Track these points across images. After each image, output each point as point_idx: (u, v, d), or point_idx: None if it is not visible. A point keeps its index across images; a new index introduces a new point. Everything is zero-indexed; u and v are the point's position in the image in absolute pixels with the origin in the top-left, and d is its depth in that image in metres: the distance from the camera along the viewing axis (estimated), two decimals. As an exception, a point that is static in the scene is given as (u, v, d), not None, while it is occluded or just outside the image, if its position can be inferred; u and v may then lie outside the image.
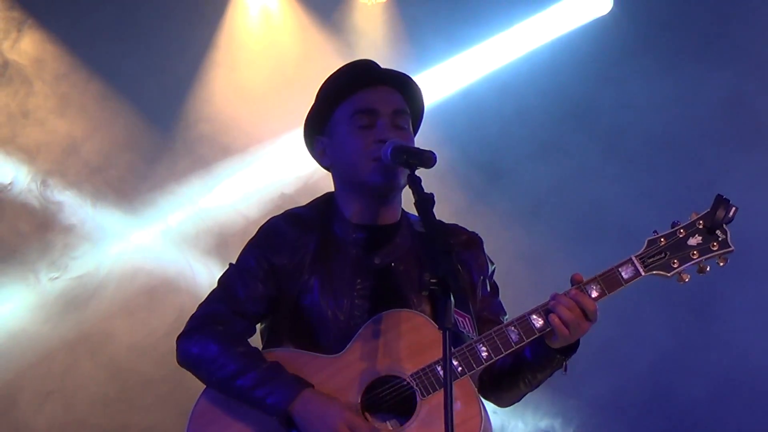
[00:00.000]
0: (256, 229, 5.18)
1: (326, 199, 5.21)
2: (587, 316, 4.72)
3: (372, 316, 4.87)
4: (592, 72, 10.17)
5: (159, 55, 9.66)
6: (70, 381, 9.20)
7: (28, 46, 9.54)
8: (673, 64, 10.17)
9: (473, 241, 5.17)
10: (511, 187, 10.10)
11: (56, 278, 9.44)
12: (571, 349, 4.85)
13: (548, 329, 4.73)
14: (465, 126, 10.06)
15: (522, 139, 10.11)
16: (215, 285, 5.14)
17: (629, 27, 10.22)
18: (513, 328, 4.74)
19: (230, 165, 9.94)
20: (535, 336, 4.73)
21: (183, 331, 5.00)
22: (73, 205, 9.55)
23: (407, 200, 4.96)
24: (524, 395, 5.07)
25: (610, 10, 10.28)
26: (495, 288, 5.14)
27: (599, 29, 10.25)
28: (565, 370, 4.91)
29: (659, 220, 4.91)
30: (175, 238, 9.74)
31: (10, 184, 9.38)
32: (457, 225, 5.19)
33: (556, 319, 4.69)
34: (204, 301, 5.08)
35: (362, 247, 5.05)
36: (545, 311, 4.73)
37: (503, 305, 5.10)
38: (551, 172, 10.10)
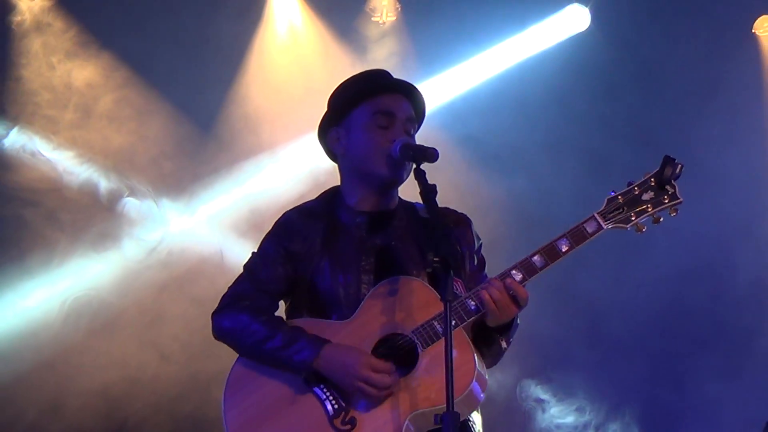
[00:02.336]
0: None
1: (332, 192, 5.27)
2: (517, 301, 4.79)
3: None
4: (571, 81, 10.08)
5: (200, 68, 9.77)
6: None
7: (90, 64, 9.62)
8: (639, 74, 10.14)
9: (462, 221, 5.20)
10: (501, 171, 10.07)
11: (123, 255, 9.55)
12: (505, 329, 4.93)
13: (481, 310, 4.80)
14: (461, 126, 10.03)
15: (510, 136, 10.07)
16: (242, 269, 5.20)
17: (604, 42, 10.15)
18: (471, 299, 4.83)
19: (261, 160, 9.95)
20: (472, 317, 4.82)
21: (216, 309, 5.08)
22: (132, 196, 9.67)
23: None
24: (493, 363, 5.08)
25: (588, 27, 10.20)
26: (482, 262, 5.17)
27: (578, 44, 10.17)
28: (505, 347, 5.01)
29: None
30: (213, 223, 9.80)
31: (81, 180, 9.46)
32: (447, 207, 5.16)
33: (487, 298, 4.77)
34: (232, 283, 5.16)
35: (365, 229, 5.10)
36: (477, 294, 4.82)
37: (488, 278, 5.01)
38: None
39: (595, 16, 10.23)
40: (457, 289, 4.74)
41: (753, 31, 10.49)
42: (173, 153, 9.75)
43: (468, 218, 5.22)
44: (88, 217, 9.49)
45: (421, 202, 4.88)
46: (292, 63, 10.15)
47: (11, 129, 9.52)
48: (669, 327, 10.01)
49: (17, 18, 9.56)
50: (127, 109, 9.67)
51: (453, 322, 4.54)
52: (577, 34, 10.30)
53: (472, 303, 4.78)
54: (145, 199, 9.70)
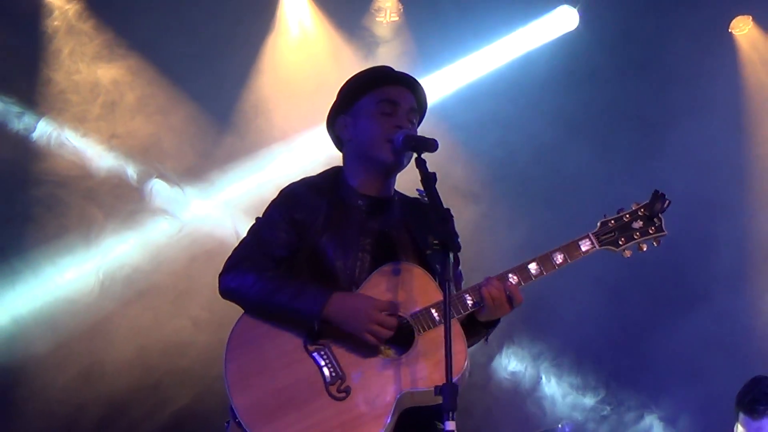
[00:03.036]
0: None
1: (335, 171, 5.27)
2: (512, 301, 4.87)
3: (372, 268, 4.96)
4: (560, 77, 10.12)
5: (217, 65, 9.81)
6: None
7: (116, 64, 9.71)
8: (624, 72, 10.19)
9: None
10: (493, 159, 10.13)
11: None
12: (492, 325, 5.02)
13: (478, 305, 4.87)
14: (461, 117, 10.06)
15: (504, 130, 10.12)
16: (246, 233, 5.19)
17: (592, 41, 10.18)
18: (468, 295, 4.90)
19: (274, 150, 10.01)
20: (468, 311, 4.89)
21: (222, 270, 5.04)
22: (156, 186, 9.76)
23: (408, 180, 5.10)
24: (474, 345, 5.08)
25: (576, 27, 10.24)
26: (457, 259, 5.07)
27: (567, 42, 10.21)
28: (486, 341, 5.09)
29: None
30: (230, 208, 9.86)
31: (109, 167, 9.57)
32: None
33: (486, 294, 4.84)
34: (237, 246, 5.12)
35: (365, 212, 5.12)
36: (477, 290, 4.89)
37: (462, 274, 5.15)
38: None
39: (583, 17, 10.19)
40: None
41: (729, 30, 10.45)
42: (193, 142, 9.82)
43: (450, 212, 4.93)
44: (118, 199, 9.58)
45: (414, 195, 4.95)
46: (303, 60, 10.21)
47: (38, 120, 9.52)
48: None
49: (54, 22, 9.58)
50: (151, 104, 9.74)
51: (470, 302, 4.77)
52: (566, 34, 10.27)
53: (469, 299, 4.85)
54: (169, 183, 9.75)
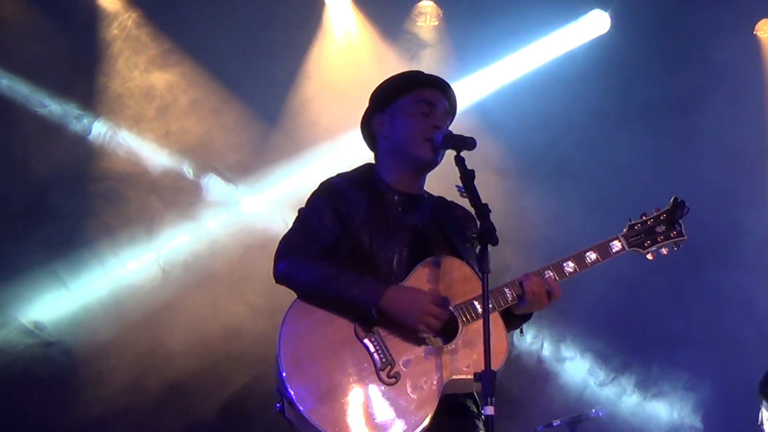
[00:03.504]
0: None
1: (368, 168, 5.28)
2: (550, 296, 4.92)
3: (409, 261, 4.98)
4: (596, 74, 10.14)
5: (266, 68, 9.91)
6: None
7: (171, 70, 9.87)
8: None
9: (467, 217, 5.19)
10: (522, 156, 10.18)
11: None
12: (527, 317, 5.06)
13: (517, 299, 4.90)
14: (504, 112, 10.13)
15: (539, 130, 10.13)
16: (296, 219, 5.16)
17: (623, 43, 10.18)
18: (508, 289, 4.93)
19: (320, 148, 10.05)
20: (509, 304, 4.92)
21: (277, 255, 4.99)
22: (205, 183, 9.88)
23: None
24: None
25: (608, 30, 10.24)
26: None
27: (600, 45, 10.23)
28: (522, 332, 5.12)
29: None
30: (278, 204, 9.92)
31: (167, 168, 9.73)
32: (456, 203, 5.22)
33: (528, 289, 4.88)
34: (288, 232, 5.08)
35: (400, 208, 5.14)
36: (518, 284, 4.92)
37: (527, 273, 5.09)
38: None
39: (615, 21, 10.19)
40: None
41: (755, 32, 10.42)
42: (243, 141, 9.94)
43: (471, 214, 4.99)
44: (176, 193, 9.74)
45: (440, 194, 5.07)
46: (347, 63, 10.29)
47: (96, 122, 9.67)
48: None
49: (113, 31, 9.75)
50: (203, 105, 9.88)
51: (490, 305, 4.64)
52: (598, 37, 10.27)
53: (509, 293, 4.88)
54: (222, 178, 9.88)
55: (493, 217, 4.62)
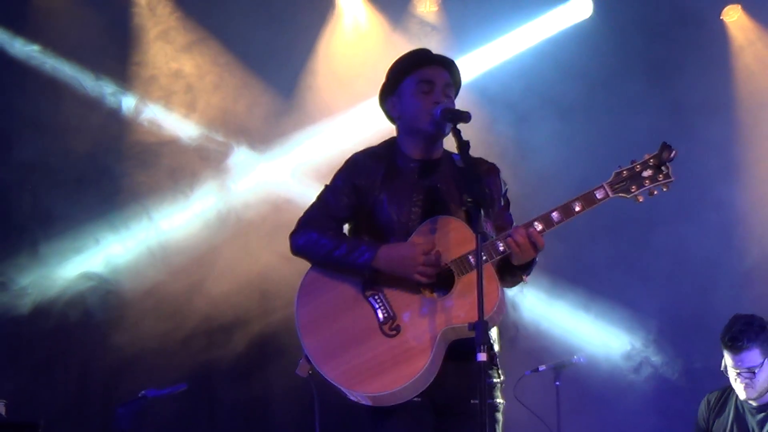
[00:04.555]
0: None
1: (391, 141, 5.34)
2: (536, 247, 4.88)
3: (422, 220, 5.03)
4: (575, 59, 10.15)
5: (283, 48, 9.95)
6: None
7: (197, 51, 9.94)
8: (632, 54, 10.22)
9: (492, 169, 5.26)
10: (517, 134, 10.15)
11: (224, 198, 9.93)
12: (526, 267, 5.05)
13: (506, 251, 4.88)
14: (490, 94, 10.09)
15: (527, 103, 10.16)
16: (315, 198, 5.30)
17: (605, 29, 10.18)
18: (500, 242, 4.90)
19: (330, 122, 10.09)
20: (500, 255, 4.89)
21: (292, 231, 5.20)
22: (231, 150, 9.96)
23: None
24: (512, 287, 5.23)
25: (590, 15, 10.22)
26: (507, 203, 5.24)
27: (582, 30, 10.22)
28: (525, 280, 5.13)
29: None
30: (295, 171, 10.00)
31: (193, 138, 9.83)
32: (481, 158, 5.26)
33: (512, 242, 4.86)
34: (307, 209, 5.25)
35: (417, 173, 5.17)
36: (505, 238, 4.89)
37: (512, 217, 5.18)
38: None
39: (597, 6, 10.18)
40: (486, 229, 4.82)
41: (721, 17, 10.42)
42: (263, 116, 9.99)
43: (497, 167, 5.27)
44: (204, 161, 9.87)
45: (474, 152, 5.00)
46: (355, 47, 10.33)
47: (128, 98, 9.78)
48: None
49: (146, 17, 9.90)
50: (227, 84, 9.97)
51: (484, 257, 4.66)
52: (581, 21, 10.25)
53: (501, 245, 4.87)
54: (244, 146, 10.00)
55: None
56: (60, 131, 9.37)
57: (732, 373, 6.62)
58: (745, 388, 6.56)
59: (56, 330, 9.37)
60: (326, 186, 5.27)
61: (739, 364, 6.54)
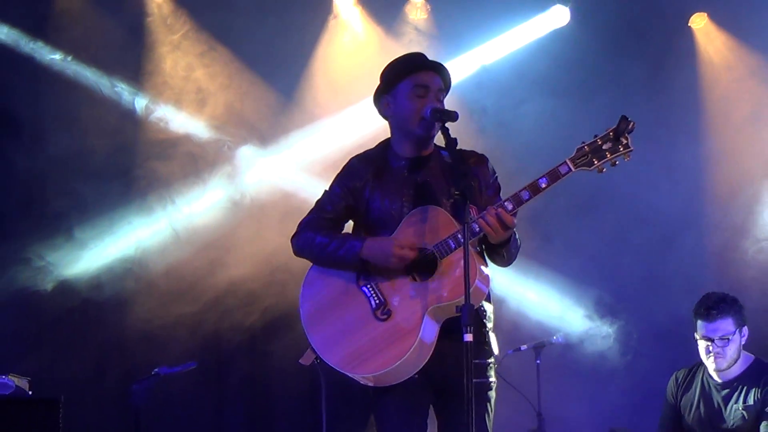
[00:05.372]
0: (344, 164, 5.40)
1: (385, 143, 5.37)
2: (504, 226, 4.85)
3: None
4: (553, 65, 10.16)
5: (285, 52, 9.98)
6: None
7: (207, 57, 9.98)
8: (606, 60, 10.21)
9: (481, 160, 5.28)
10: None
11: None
12: (507, 243, 5.03)
13: (481, 232, 4.89)
14: (473, 95, 10.13)
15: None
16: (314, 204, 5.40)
17: (582, 36, 10.16)
18: (475, 224, 4.90)
19: (329, 119, 10.10)
20: (477, 236, 4.91)
21: (293, 234, 5.31)
22: (239, 145, 10.01)
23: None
24: (509, 263, 5.19)
25: (568, 23, 10.20)
26: (497, 189, 5.24)
27: (559, 37, 10.21)
28: (503, 256, 5.11)
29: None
30: (296, 164, 10.01)
31: (203, 134, 9.90)
32: (472, 150, 5.29)
33: (482, 223, 4.86)
34: (307, 213, 5.33)
35: (407, 169, 5.22)
36: (478, 221, 4.89)
37: (502, 200, 5.06)
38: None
39: (574, 14, 10.16)
40: (471, 214, 4.84)
41: (689, 24, 10.39)
42: (266, 115, 10.04)
43: (485, 157, 5.29)
44: (217, 156, 9.94)
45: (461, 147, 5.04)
46: (353, 49, 10.35)
47: (141, 98, 9.83)
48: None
49: (159, 25, 9.95)
50: (234, 85, 9.99)
51: (477, 228, 4.83)
52: (559, 29, 10.22)
53: (476, 226, 4.89)
54: (250, 143, 10.05)
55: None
56: (85, 128, 9.45)
57: (703, 345, 6.61)
58: (716, 358, 6.54)
59: (76, 309, 9.43)
60: (325, 191, 5.34)
61: (713, 333, 6.52)
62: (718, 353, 6.53)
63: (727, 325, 6.54)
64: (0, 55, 9.46)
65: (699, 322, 6.61)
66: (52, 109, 9.49)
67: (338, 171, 5.36)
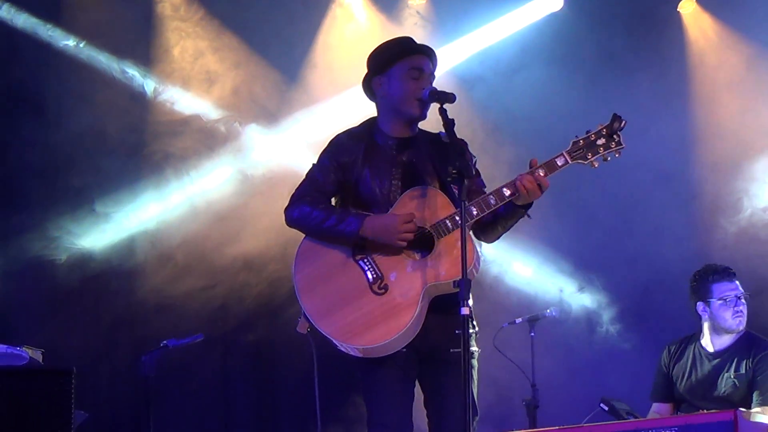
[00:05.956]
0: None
1: (371, 120, 5.34)
2: (541, 188, 4.91)
3: (402, 191, 5.10)
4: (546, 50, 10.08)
5: (288, 36, 9.97)
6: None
7: (212, 41, 9.96)
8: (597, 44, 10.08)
9: (464, 146, 5.17)
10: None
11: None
12: (529, 205, 5.06)
13: (515, 194, 4.92)
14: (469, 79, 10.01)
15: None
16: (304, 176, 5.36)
17: (575, 21, 10.06)
18: (492, 196, 4.95)
19: (330, 101, 10.07)
20: (506, 200, 4.95)
21: (286, 206, 5.22)
22: (240, 128, 9.98)
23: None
24: (500, 236, 5.22)
25: (561, 8, 10.08)
26: (477, 172, 5.26)
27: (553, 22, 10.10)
28: (529, 216, 5.12)
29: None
30: (296, 141, 10.00)
31: (210, 117, 9.92)
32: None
33: (521, 186, 4.89)
34: (298, 186, 5.26)
35: (395, 149, 5.20)
36: (513, 184, 4.93)
37: (483, 182, 5.24)
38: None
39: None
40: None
41: (678, 9, 10.28)
42: (270, 96, 9.98)
43: (465, 141, 5.15)
44: (222, 133, 9.94)
45: (436, 131, 5.10)
46: (354, 32, 10.33)
47: (151, 80, 9.82)
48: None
49: (168, 10, 9.95)
50: (241, 70, 9.95)
51: (475, 211, 4.90)
52: (553, 13, 10.11)
53: (507, 190, 4.95)
54: (254, 123, 10.02)
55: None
56: (101, 108, 9.41)
57: (730, 306, 6.58)
58: (741, 316, 6.57)
59: (89, 282, 9.42)
60: (313, 165, 5.28)
61: (740, 291, 6.57)
62: (743, 311, 6.56)
63: (740, 283, 6.64)
64: (22, 40, 9.46)
65: (721, 284, 6.61)
66: (71, 90, 9.40)
67: (324, 147, 5.31)
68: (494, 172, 5.88)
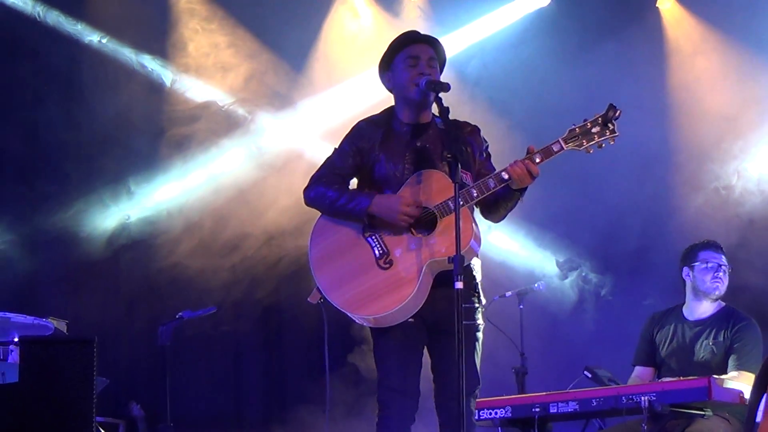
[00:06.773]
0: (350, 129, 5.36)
1: (390, 109, 5.33)
2: (532, 175, 4.92)
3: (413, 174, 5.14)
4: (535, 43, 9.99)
5: (295, 26, 9.96)
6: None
7: (227, 35, 9.94)
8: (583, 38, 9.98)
9: (474, 130, 5.26)
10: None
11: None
12: (524, 189, 5.03)
13: (510, 179, 4.92)
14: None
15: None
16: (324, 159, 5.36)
17: (563, 16, 9.98)
18: (491, 179, 4.96)
19: (335, 90, 10.05)
20: (504, 183, 4.95)
21: (305, 186, 5.24)
22: (253, 114, 10.00)
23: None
24: (504, 216, 5.22)
25: (549, 3, 10.02)
26: (488, 155, 5.26)
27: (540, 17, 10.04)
28: (522, 200, 5.09)
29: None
30: (313, 129, 9.94)
31: (225, 104, 9.96)
32: (466, 122, 5.28)
33: (513, 171, 4.90)
34: (318, 168, 5.28)
35: (409, 135, 5.19)
36: (509, 169, 4.93)
37: (493, 165, 5.20)
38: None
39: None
40: (464, 179, 4.92)
41: (656, 5, 10.18)
42: (279, 84, 9.98)
43: (478, 127, 5.26)
44: (233, 120, 9.97)
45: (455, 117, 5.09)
46: (358, 25, 10.32)
47: (168, 71, 9.86)
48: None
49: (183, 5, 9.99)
50: (252, 61, 9.90)
51: (475, 192, 4.92)
52: (540, 9, 10.06)
53: (505, 174, 4.94)
54: (263, 111, 10.03)
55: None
56: (124, 97, 9.53)
57: (711, 271, 6.56)
58: (721, 283, 6.56)
59: (110, 257, 9.48)
60: (335, 149, 5.27)
61: (722, 260, 6.57)
62: (722, 278, 6.54)
63: (726, 259, 6.65)
64: (54, 35, 9.52)
65: (706, 252, 6.58)
66: (104, 77, 9.57)
67: (347, 133, 5.31)
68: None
